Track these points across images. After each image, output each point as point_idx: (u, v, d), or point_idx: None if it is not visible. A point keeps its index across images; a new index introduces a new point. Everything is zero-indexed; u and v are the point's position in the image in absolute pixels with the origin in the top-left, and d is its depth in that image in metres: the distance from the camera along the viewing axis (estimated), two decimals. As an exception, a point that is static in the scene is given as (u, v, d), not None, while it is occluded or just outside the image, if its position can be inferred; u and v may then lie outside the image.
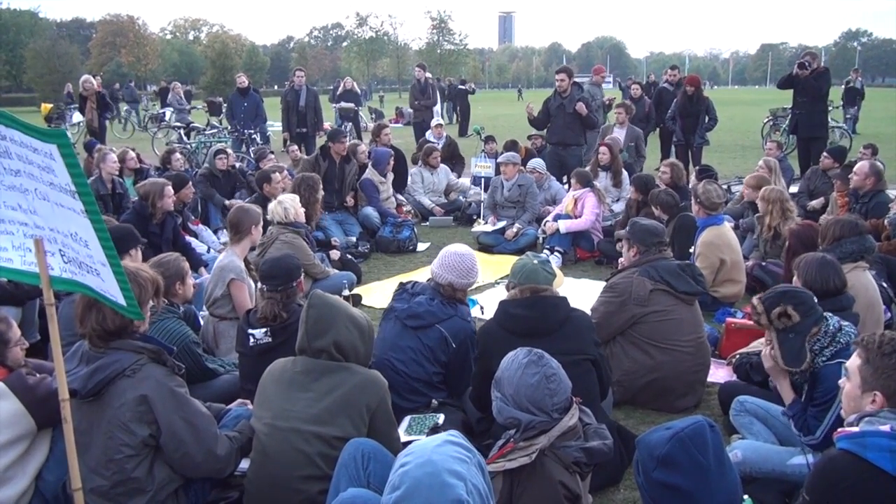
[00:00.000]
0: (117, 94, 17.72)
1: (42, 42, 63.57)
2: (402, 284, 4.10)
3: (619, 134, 10.31)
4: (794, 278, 3.86)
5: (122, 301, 2.43)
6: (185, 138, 14.52)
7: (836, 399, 3.06)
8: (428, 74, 18.11)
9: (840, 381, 2.57)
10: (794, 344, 3.20)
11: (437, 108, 17.48)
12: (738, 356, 4.29)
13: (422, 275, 6.17)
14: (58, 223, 2.36)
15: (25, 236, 2.43)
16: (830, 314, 3.32)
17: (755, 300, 3.36)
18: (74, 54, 65.74)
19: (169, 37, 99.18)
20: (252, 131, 13.53)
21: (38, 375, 3.01)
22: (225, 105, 15.86)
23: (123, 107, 26.05)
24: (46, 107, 19.37)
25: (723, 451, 2.16)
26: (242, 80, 13.93)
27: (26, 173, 2.31)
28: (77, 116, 19.02)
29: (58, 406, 2.73)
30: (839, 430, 2.28)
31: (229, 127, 14.40)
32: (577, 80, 10.11)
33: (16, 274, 2.54)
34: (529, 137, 11.06)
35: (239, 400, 3.60)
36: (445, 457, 1.84)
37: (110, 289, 2.41)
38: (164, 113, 21.46)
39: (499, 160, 8.98)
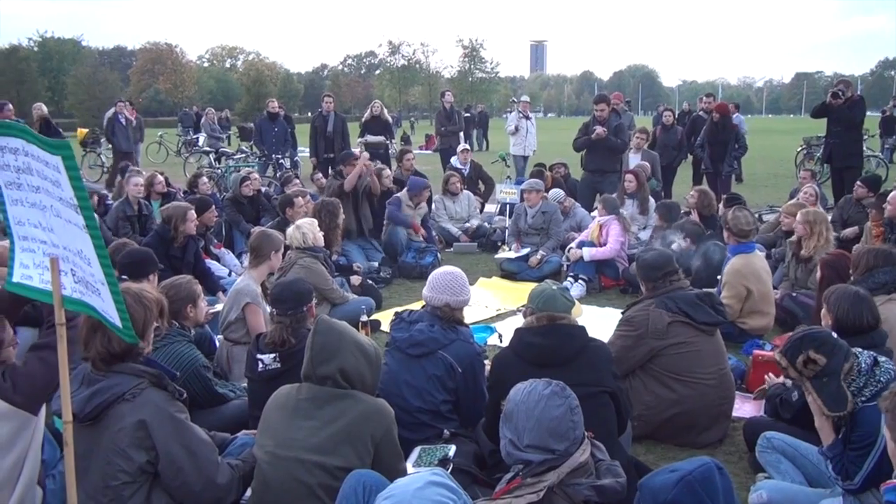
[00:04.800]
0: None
1: (83, 69, 65.36)
2: (397, 314, 4.02)
3: (635, 159, 10.17)
4: (823, 311, 3.70)
5: (118, 323, 2.41)
6: (214, 163, 14.70)
7: (876, 443, 2.90)
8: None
9: None
10: (831, 387, 3.03)
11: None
12: (772, 386, 4.09)
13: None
14: (69, 241, 2.37)
15: (44, 255, 2.46)
16: (861, 350, 3.15)
17: (777, 356, 3.21)
18: (114, 81, 67.53)
19: (206, 64, 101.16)
20: (280, 156, 13.66)
21: (9, 365, 2.94)
22: (254, 130, 15.78)
23: (158, 132, 26.51)
24: (82, 131, 19.74)
25: (732, 495, 2.02)
26: (273, 106, 14.11)
27: (44, 190, 2.35)
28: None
29: (37, 388, 2.76)
30: (889, 482, 2.11)
31: (258, 151, 14.51)
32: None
33: (33, 292, 2.57)
34: (551, 168, 10.94)
35: (244, 431, 3.53)
36: (427, 501, 1.74)
37: (109, 309, 2.40)
38: (197, 138, 21.84)
39: (522, 187, 8.92)
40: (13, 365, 2.91)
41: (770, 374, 4.21)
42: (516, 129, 13.60)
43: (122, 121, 15.72)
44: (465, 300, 3.88)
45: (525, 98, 15.26)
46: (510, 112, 16.27)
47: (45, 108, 13.15)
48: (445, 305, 3.80)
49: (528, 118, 13.71)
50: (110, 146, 18.66)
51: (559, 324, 3.39)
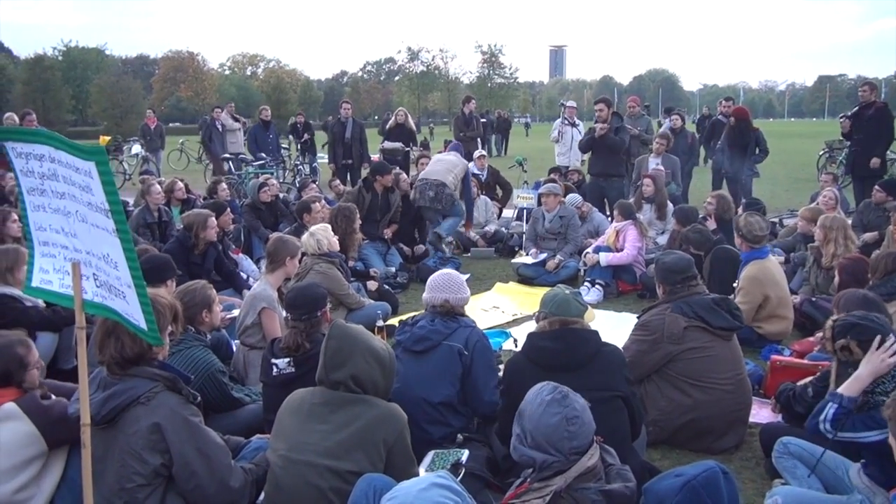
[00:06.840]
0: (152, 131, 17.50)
1: (107, 78, 66.19)
2: (401, 321, 4.10)
3: (655, 163, 10.14)
4: (834, 315, 3.66)
5: (143, 325, 2.44)
6: (233, 170, 14.83)
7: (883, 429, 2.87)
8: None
9: None
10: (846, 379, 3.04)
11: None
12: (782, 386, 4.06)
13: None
14: (94, 246, 2.41)
15: (65, 259, 2.51)
16: None
17: (830, 320, 3.18)
18: (137, 89, 68.29)
19: (227, 72, 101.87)
20: (300, 163, 13.79)
21: (52, 398, 3.03)
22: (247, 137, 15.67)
23: (179, 139, 26.74)
24: (104, 139, 19.98)
25: (737, 500, 2.01)
26: (266, 114, 14.30)
27: (70, 195, 2.39)
28: (136, 148, 19.61)
29: (69, 428, 2.73)
30: None
31: (251, 157, 14.64)
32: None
33: (53, 296, 2.63)
34: (565, 175, 10.90)
35: (258, 435, 3.55)
36: (429, 503, 1.75)
37: (134, 312, 2.43)
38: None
39: (539, 191, 8.87)
40: (62, 401, 2.99)
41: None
42: (560, 136, 11.93)
43: (220, 127, 15.16)
44: (464, 298, 3.92)
45: (571, 103, 13.06)
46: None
47: (16, 118, 13.00)
48: (445, 302, 3.84)
49: (574, 125, 11.88)
50: (134, 154, 18.84)
51: (571, 328, 3.39)
